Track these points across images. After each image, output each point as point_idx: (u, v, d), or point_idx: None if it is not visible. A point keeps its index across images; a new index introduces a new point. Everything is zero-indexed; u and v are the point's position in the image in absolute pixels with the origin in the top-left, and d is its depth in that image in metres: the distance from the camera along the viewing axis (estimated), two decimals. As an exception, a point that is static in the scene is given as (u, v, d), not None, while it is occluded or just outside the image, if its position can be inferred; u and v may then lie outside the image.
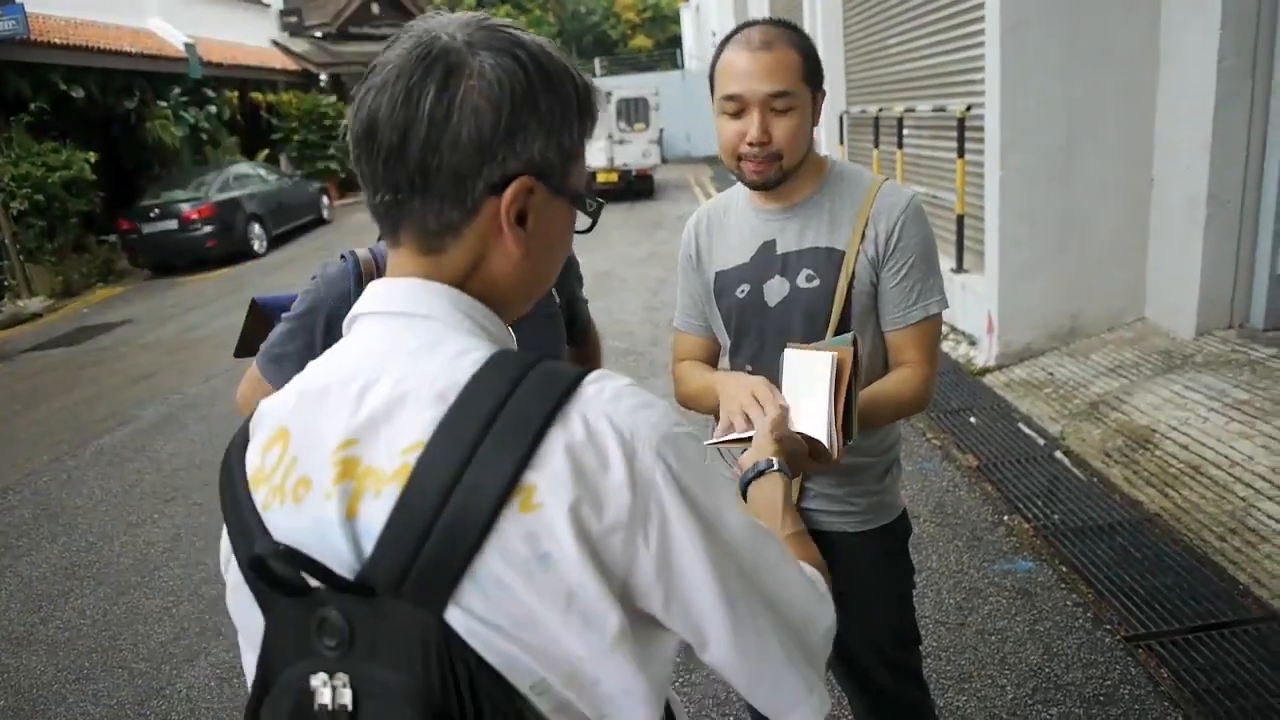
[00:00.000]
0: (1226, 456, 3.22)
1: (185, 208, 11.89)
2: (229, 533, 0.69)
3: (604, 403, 0.62)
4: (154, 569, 3.69)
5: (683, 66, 26.75)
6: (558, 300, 1.62)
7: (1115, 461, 3.51)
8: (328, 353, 0.73)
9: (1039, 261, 4.61)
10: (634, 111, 14.57)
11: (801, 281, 1.42)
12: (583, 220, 0.76)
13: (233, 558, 0.69)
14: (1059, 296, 4.66)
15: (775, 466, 1.01)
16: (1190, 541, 2.89)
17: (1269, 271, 4.01)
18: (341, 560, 0.61)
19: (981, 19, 4.74)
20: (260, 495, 0.67)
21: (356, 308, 0.73)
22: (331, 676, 0.59)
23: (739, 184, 1.48)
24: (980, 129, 4.85)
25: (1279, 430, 3.23)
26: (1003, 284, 4.69)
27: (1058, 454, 3.71)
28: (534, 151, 0.67)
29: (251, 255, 12.65)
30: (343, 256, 1.56)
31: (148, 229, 11.90)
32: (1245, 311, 4.16)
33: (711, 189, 14.73)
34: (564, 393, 0.61)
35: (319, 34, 21.75)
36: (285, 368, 1.54)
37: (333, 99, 19.12)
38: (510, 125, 0.65)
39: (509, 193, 0.66)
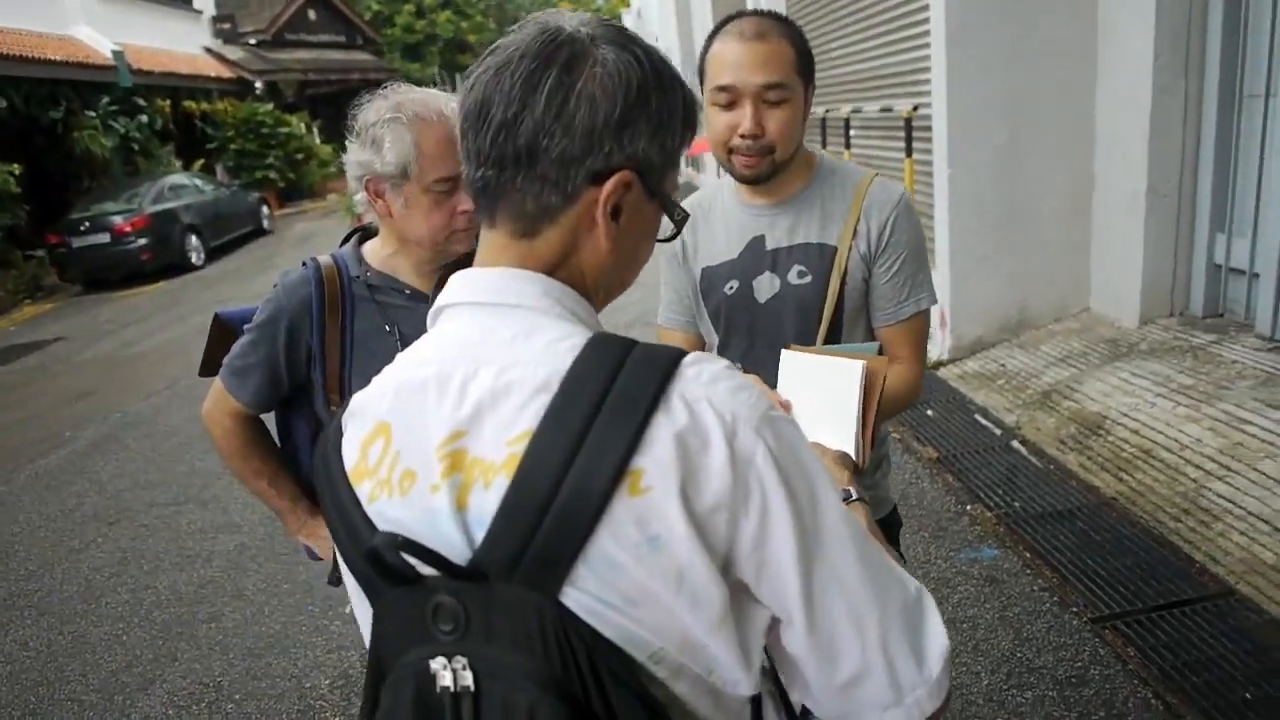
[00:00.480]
0: (1176, 440, 3.32)
1: (117, 220, 11.49)
2: (330, 526, 0.72)
3: (703, 385, 0.63)
4: (99, 595, 3.54)
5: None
6: None
7: (1070, 449, 3.60)
8: (418, 344, 0.74)
9: (988, 256, 4.71)
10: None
11: (793, 278, 1.41)
12: (663, 229, 0.78)
13: (340, 552, 0.72)
14: (1007, 290, 4.77)
15: (855, 496, 0.98)
16: (1147, 523, 2.98)
17: (1206, 260, 4.16)
18: (453, 549, 0.64)
19: (926, 21, 4.83)
20: (365, 489, 0.70)
21: (443, 298, 0.74)
22: (450, 659, 0.61)
23: (724, 178, 1.47)
24: (926, 129, 4.94)
25: (1224, 413, 3.35)
26: (954, 279, 4.78)
27: (1014, 443, 3.79)
28: (639, 148, 0.69)
29: (190, 268, 12.28)
30: (304, 264, 1.52)
31: (78, 243, 11.47)
32: (1185, 300, 4.30)
33: (659, 193, 14.77)
34: (665, 376, 0.63)
35: (253, 41, 21.24)
36: (249, 380, 1.50)
37: (269, 107, 18.68)
38: (622, 118, 0.67)
39: (610, 184, 0.68)
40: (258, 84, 19.56)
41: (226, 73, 18.88)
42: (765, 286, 1.42)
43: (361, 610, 0.75)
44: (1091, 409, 3.79)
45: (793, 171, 1.40)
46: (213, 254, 13.04)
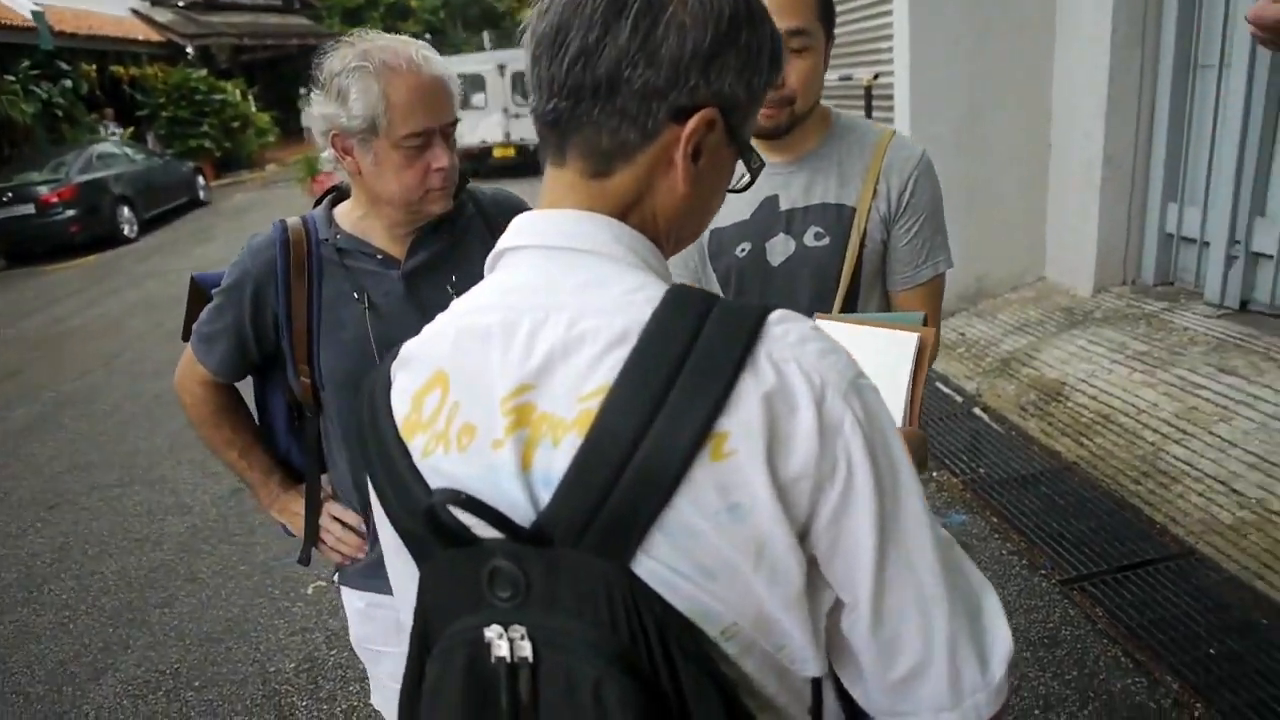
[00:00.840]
0: (1133, 405, 3.40)
1: (43, 190, 10.90)
2: (374, 483, 0.68)
3: (790, 346, 0.59)
4: (41, 582, 3.37)
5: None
6: None
7: (1031, 415, 3.66)
8: (478, 290, 0.69)
9: (948, 227, 4.74)
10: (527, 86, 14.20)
11: (809, 240, 1.35)
12: (736, 179, 0.72)
13: (384, 510, 0.68)
14: (966, 259, 4.75)
15: None
16: (1108, 487, 3.04)
17: (1158, 230, 4.25)
18: (516, 510, 0.59)
19: (886, -12, 4.81)
20: (417, 443, 0.65)
21: (505, 240, 0.68)
22: (507, 628, 0.58)
23: None
24: (886, 98, 4.93)
25: (1178, 378, 3.43)
26: (914, 249, 4.80)
27: (976, 410, 3.84)
28: (725, 84, 0.63)
29: (122, 240, 11.74)
30: (274, 224, 1.42)
31: (0, 214, 10.86)
32: (1137, 268, 4.40)
33: (611, 164, 14.60)
34: (752, 334, 0.58)
35: (183, 3, 20.31)
36: (215, 347, 1.42)
37: (203, 73, 17.90)
38: (711, 50, 0.62)
39: (694, 121, 0.63)
40: (189, 48, 18.73)
41: (156, 36, 18.03)
42: (779, 249, 1.37)
43: (402, 574, 0.71)
44: (1050, 376, 3.86)
45: (809, 127, 1.34)
46: (146, 226, 12.48)
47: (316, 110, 1.29)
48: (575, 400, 0.59)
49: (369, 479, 0.69)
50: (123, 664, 2.78)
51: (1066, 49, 4.37)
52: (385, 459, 0.66)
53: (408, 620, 0.74)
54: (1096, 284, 4.40)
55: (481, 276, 1.51)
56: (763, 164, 0.71)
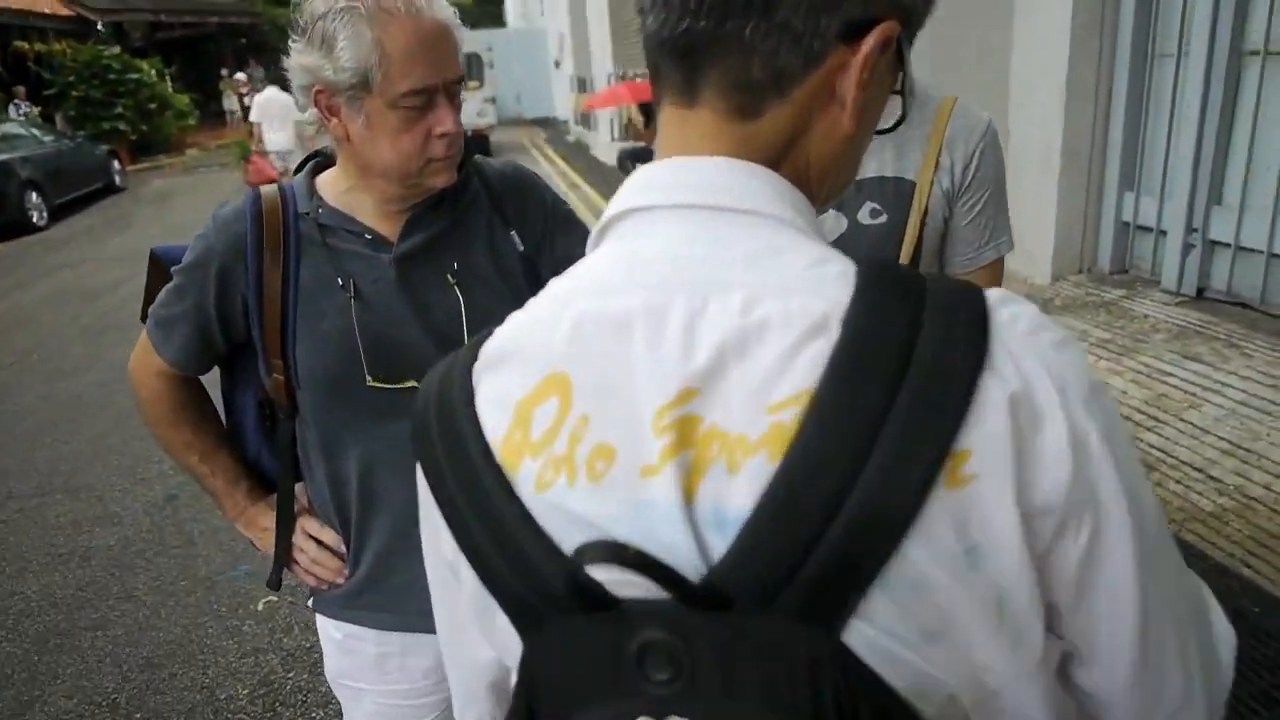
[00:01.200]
0: (1102, 393, 3.41)
1: (-60, 174, 10.15)
2: (457, 531, 0.51)
3: (1024, 337, 0.45)
4: (-47, 605, 3.06)
5: (506, 24, 25.80)
6: (521, 248, 1.32)
7: (1000, 404, 3.66)
8: (595, 265, 0.52)
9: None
10: (467, 69, 13.87)
11: (864, 217, 1.23)
12: (885, 117, 0.57)
13: (462, 558, 0.51)
14: (925, 248, 4.81)
15: None
16: (1085, 476, 3.04)
17: (1114, 218, 4.30)
18: (675, 561, 0.44)
19: (845, -29, 4.75)
20: (528, 471, 0.49)
21: (626, 199, 0.51)
22: None
23: None
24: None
25: (1144, 365, 3.46)
26: (874, 237, 4.77)
27: (945, 400, 3.83)
28: None
29: (31, 228, 10.99)
30: (248, 194, 1.24)
31: (-108, 200, 10.07)
32: (1093, 257, 4.45)
33: (549, 151, 14.38)
34: (983, 320, 0.45)
35: (92, -24, 19.19)
36: (174, 334, 1.22)
37: (116, 50, 16.93)
38: None
39: (873, 38, 0.48)
40: (100, 24, 17.71)
41: (63, 10, 17.00)
42: (830, 226, 1.25)
43: (475, 638, 0.57)
44: (1016, 364, 3.86)
45: None
46: (57, 213, 11.71)
47: (296, 60, 1.09)
48: (761, 411, 0.44)
49: (446, 524, 0.52)
50: (51, 695, 2.52)
51: (1025, 35, 4.38)
52: (475, 495, 0.50)
53: (472, 685, 0.60)
54: (1054, 272, 4.44)
55: (483, 266, 1.30)
56: (913, 94, 0.57)
